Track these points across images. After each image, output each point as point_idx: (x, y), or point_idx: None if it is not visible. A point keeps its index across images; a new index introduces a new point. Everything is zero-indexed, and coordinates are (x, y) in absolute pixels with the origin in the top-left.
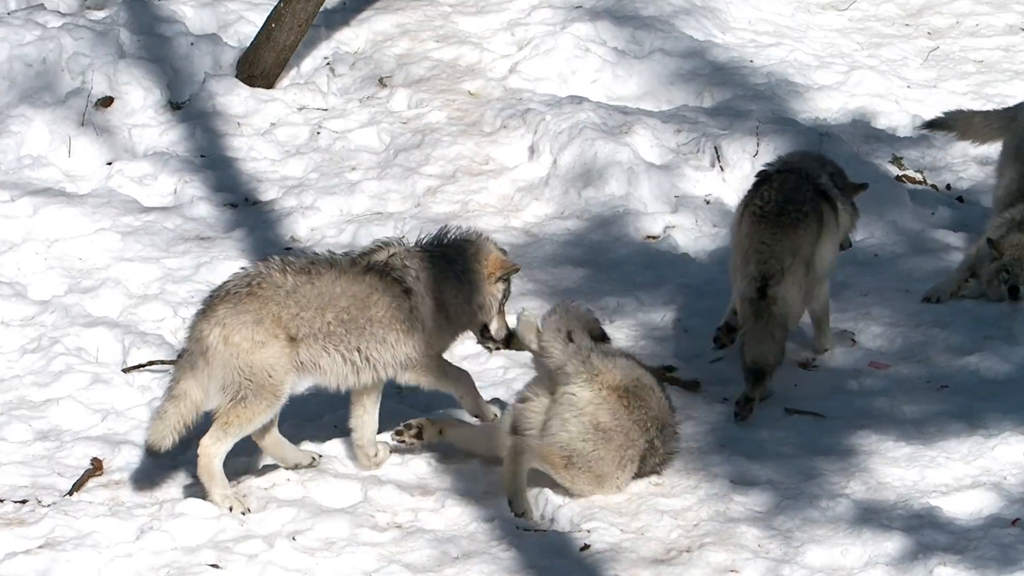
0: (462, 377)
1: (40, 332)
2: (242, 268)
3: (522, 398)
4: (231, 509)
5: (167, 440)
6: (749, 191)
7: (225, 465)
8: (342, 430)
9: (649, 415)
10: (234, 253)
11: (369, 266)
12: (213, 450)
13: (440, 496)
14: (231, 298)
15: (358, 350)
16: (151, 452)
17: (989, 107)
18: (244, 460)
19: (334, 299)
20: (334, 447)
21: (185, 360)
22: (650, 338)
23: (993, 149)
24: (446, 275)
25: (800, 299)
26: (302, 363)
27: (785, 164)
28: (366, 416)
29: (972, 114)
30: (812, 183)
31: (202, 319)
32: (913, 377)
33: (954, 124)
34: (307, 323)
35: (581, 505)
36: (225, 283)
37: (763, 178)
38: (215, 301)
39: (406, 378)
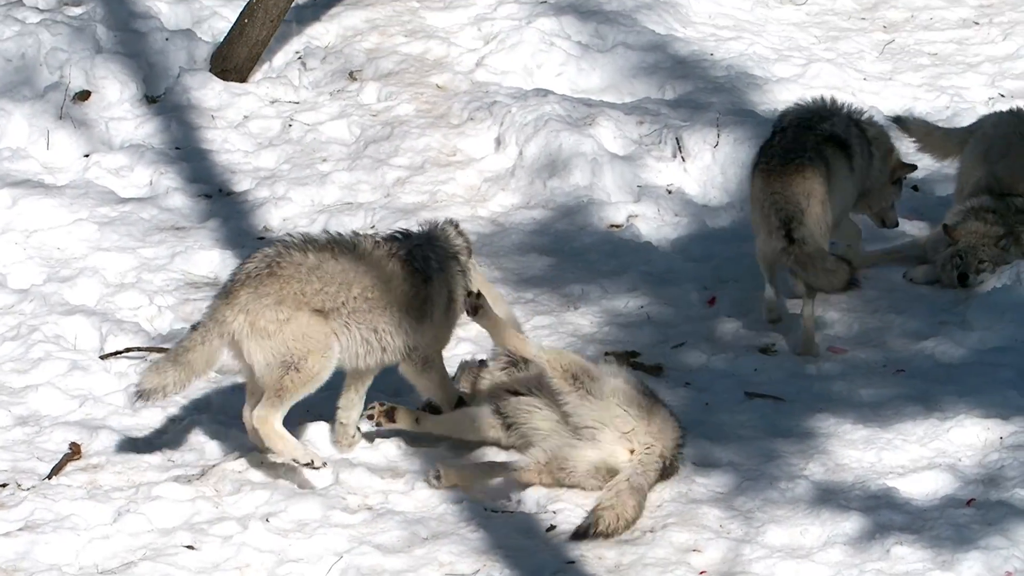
0: (455, 399)
1: (19, 320)
2: (262, 249)
3: (513, 390)
4: (312, 463)
5: (159, 394)
6: (757, 152)
7: (201, 449)
8: (315, 415)
9: (674, 471)
10: (208, 243)
11: (392, 252)
12: (271, 417)
13: (410, 479)
14: (251, 281)
15: (375, 330)
16: (142, 396)
17: (943, 99)
18: (215, 444)
19: (359, 276)
20: (308, 432)
21: (198, 334)
22: (614, 324)
23: None
24: (457, 271)
25: (823, 237)
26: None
27: (786, 120)
28: (356, 399)
29: (933, 128)
30: (814, 130)
31: (224, 304)
32: (870, 361)
33: (915, 130)
34: (331, 298)
35: (547, 488)
36: (244, 265)
37: (769, 137)
38: (236, 285)
39: (405, 368)
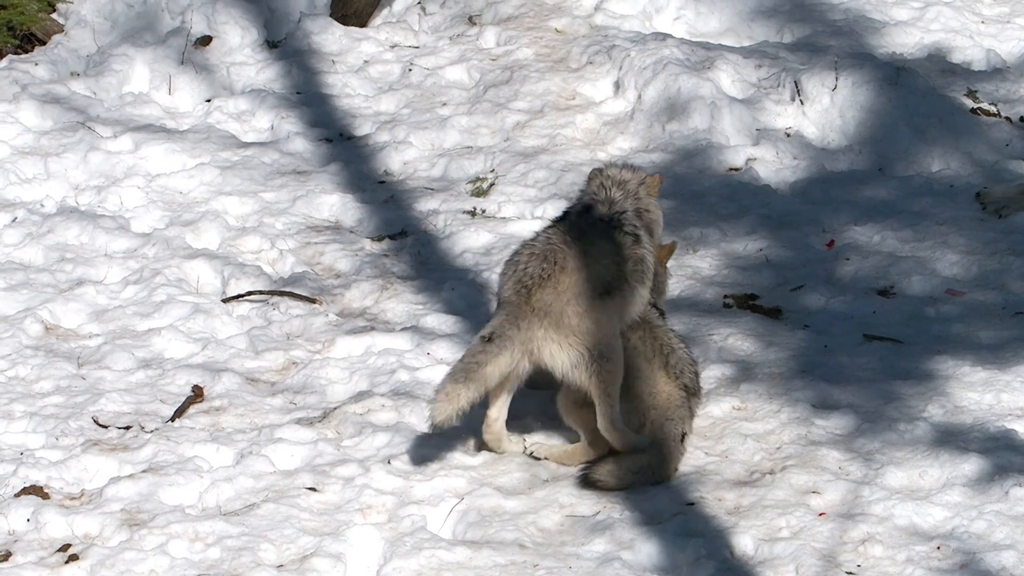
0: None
1: (142, 264)
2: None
3: None
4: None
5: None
6: None
7: (322, 392)
8: (434, 357)
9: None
10: (330, 187)
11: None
12: (615, 417)
13: (529, 421)
14: (545, 281)
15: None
16: (435, 429)
17: None
18: (337, 387)
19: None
20: (428, 374)
21: (495, 345)
22: (733, 267)
23: None
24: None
25: None
26: None
27: None
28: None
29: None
30: None
31: (522, 308)
32: (989, 304)
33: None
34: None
35: None
36: (524, 267)
37: None
38: (529, 289)
39: None
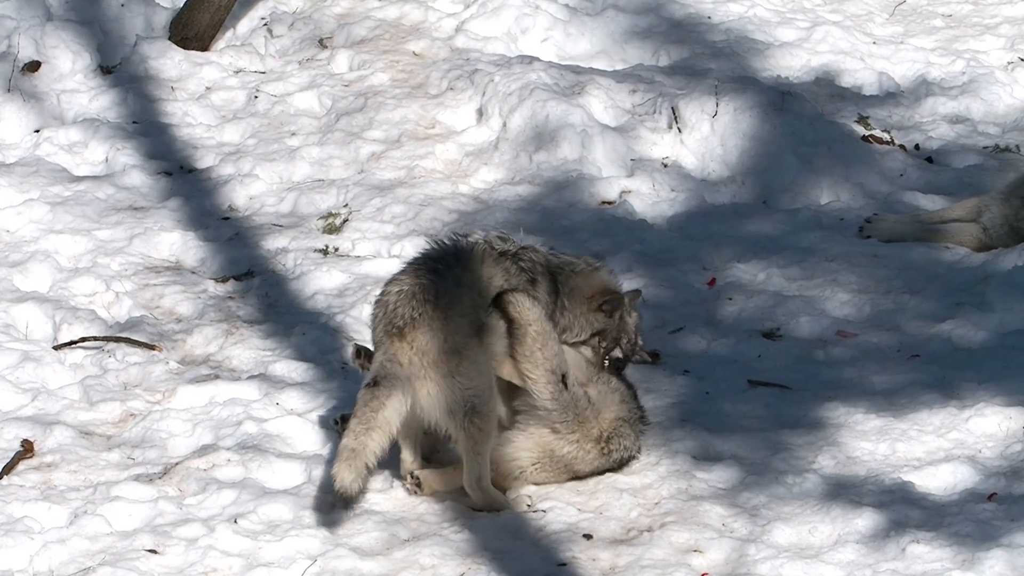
0: None
1: None
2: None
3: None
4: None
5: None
6: None
7: (163, 446)
8: (284, 408)
9: (625, 451)
10: (170, 224)
11: None
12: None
13: (388, 476)
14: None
15: None
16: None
17: (958, 64)
18: (179, 440)
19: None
20: (277, 426)
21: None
22: None
23: (964, 107)
24: None
25: None
26: None
27: None
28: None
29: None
30: None
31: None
32: (883, 346)
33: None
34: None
35: (537, 485)
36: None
37: None
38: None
39: None
